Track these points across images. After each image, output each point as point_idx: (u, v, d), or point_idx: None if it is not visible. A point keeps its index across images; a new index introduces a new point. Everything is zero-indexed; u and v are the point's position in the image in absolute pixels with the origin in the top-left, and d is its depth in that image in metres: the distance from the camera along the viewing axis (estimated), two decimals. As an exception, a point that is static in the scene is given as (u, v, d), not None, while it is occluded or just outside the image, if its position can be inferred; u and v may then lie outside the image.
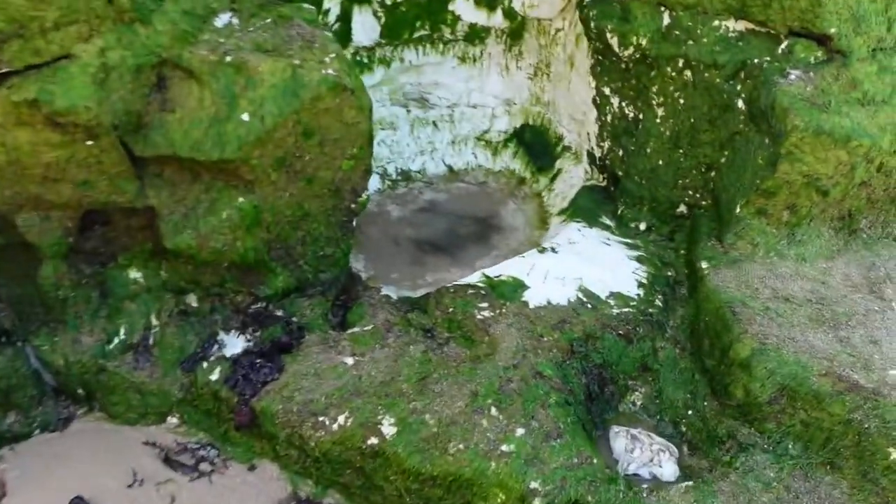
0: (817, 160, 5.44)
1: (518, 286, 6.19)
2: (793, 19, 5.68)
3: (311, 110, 5.56)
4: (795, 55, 5.72)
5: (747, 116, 5.96)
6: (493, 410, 5.12)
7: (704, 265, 5.88)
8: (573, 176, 7.92)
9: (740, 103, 5.98)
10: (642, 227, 6.86)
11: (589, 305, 6.02)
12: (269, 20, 5.97)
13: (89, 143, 5.21)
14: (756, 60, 5.86)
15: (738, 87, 5.98)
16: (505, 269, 6.38)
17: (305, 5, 6.33)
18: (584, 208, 7.25)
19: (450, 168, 8.51)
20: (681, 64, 6.18)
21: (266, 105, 5.43)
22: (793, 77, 5.62)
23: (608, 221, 7.07)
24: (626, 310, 6.00)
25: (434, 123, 8.54)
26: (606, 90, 6.91)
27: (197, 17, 5.80)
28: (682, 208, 6.67)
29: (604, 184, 7.49)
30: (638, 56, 6.40)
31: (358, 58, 7.82)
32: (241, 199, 5.68)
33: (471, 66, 8.37)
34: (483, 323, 5.89)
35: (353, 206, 6.34)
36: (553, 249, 6.61)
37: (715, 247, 6.01)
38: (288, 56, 5.58)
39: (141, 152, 5.48)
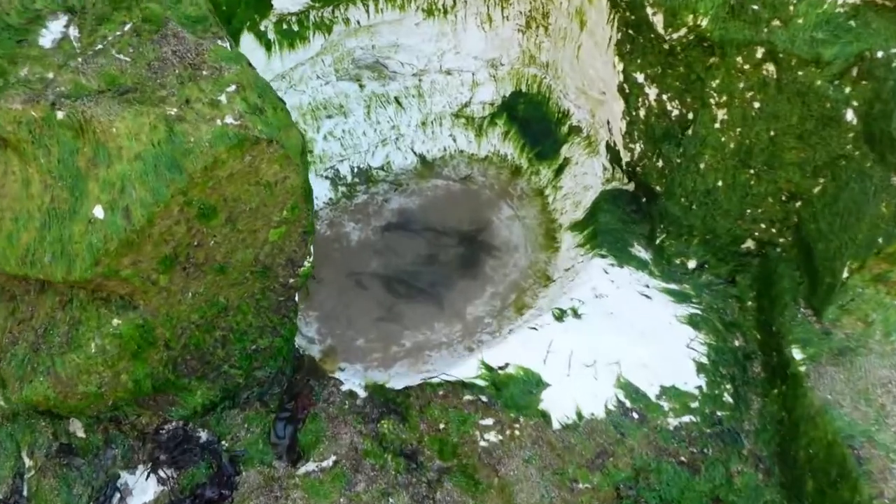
0: (981, 219, 3.59)
1: (532, 384, 4.44)
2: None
3: (205, 184, 3.55)
4: (946, 46, 3.72)
5: (861, 136, 4.03)
6: None
7: (798, 354, 4.15)
8: (587, 172, 5.97)
9: (850, 115, 4.04)
10: (691, 264, 5.05)
11: (635, 415, 4.31)
12: (127, 27, 3.79)
13: None
14: (881, 54, 3.87)
15: (849, 92, 4.01)
16: (512, 355, 4.59)
17: (190, -13, 4.09)
18: (609, 231, 5.37)
19: (422, 159, 6.50)
20: (760, 54, 4.15)
21: (130, 190, 3.40)
22: (944, 84, 3.65)
23: (643, 253, 5.23)
24: (685, 419, 4.30)
25: (397, 100, 6.42)
26: (639, 76, 4.87)
27: (9, 31, 3.63)
28: (750, 244, 4.83)
29: (631, 188, 5.58)
30: (692, 39, 4.34)
31: (284, 27, 5.61)
32: (116, 322, 3.74)
33: (441, 19, 6.17)
34: (489, 455, 4.18)
35: (291, 281, 4.43)
36: (575, 312, 4.80)
37: (809, 321, 4.26)
38: (159, 100, 3.48)
39: (-54, 268, 3.47)
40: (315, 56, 5.98)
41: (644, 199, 5.42)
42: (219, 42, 3.84)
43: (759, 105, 4.34)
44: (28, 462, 4.39)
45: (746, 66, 4.26)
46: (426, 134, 6.51)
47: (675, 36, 4.36)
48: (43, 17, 3.79)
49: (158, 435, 4.49)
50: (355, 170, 6.31)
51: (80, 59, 3.63)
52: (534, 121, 6.43)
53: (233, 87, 3.65)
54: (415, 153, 6.48)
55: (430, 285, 5.71)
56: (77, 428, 4.44)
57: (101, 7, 3.87)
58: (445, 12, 6.13)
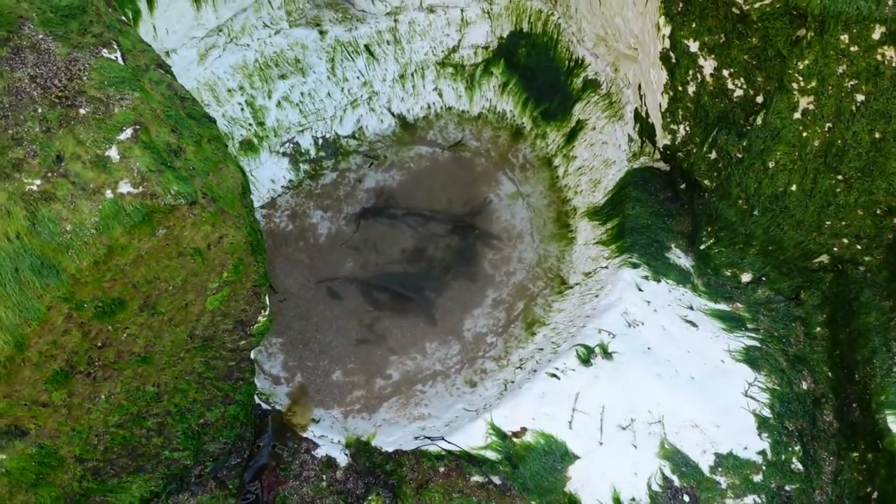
0: None
1: (557, 456, 3.56)
2: None
3: (100, 279, 2.44)
4: None
5: None
6: None
7: (894, 422, 3.26)
8: (607, 141, 4.83)
9: None
10: (746, 277, 4.06)
11: (686, 497, 3.45)
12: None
13: None
14: None
15: None
16: (530, 413, 3.66)
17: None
18: (640, 227, 4.33)
19: (402, 120, 5.29)
20: (877, 35, 2.98)
21: (-11, 306, 2.28)
22: None
23: (684, 260, 4.22)
24: (748, 501, 3.45)
25: (368, 49, 5.12)
26: (692, 44, 3.67)
27: None
28: (824, 258, 3.83)
29: (665, 168, 4.49)
30: (778, 6, 3.13)
31: (216, -33, 4.23)
32: (18, 446, 2.72)
33: (420, -60, 4.77)
34: (506, 563, 3.32)
35: (242, 343, 3.39)
36: (604, 350, 3.83)
37: (910, 378, 3.33)
38: (13, 167, 2.30)
39: None
40: (260, -1, 4.63)
41: (683, 186, 4.34)
42: (104, 52, 2.58)
43: (864, 98, 3.20)
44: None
45: (854, 48, 3.09)
46: (405, 90, 5.26)
47: (756, 5, 3.13)
48: None
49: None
50: (320, 141, 5.09)
51: None
52: (539, 70, 5.20)
53: (129, 132, 2.45)
54: (392, 114, 5.26)
55: (417, 291, 4.68)
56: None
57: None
58: (426, -67, 4.74)
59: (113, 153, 2.40)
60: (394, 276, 4.74)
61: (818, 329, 3.94)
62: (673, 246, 4.30)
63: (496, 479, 3.52)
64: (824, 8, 3.05)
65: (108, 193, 2.35)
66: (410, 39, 5.17)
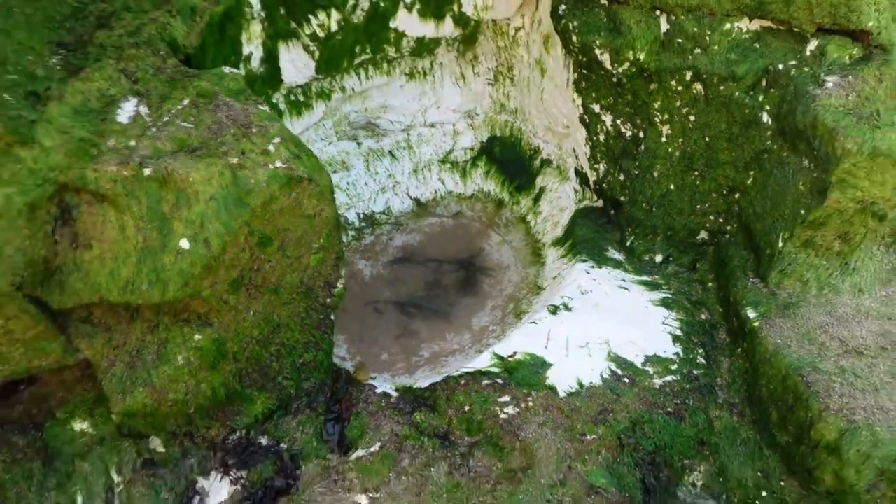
0: (874, 184, 4.61)
1: (538, 365, 5.29)
2: (822, 15, 4.74)
3: (263, 217, 4.43)
4: (828, 57, 4.81)
5: (776, 132, 5.06)
6: (553, 553, 4.27)
7: (752, 314, 5.07)
8: (561, 196, 6.96)
9: (766, 117, 5.08)
10: (658, 258, 5.99)
11: (626, 380, 5.17)
12: (185, 102, 4.73)
13: (-13, 316, 4.02)
14: (781, 66, 4.94)
15: (762, 99, 5.06)
16: (518, 345, 5.44)
17: (226, 69, 5.08)
18: (586, 240, 6.32)
19: (417, 201, 7.45)
20: (688, 77, 5.21)
21: (208, 224, 4.27)
22: (830, 85, 4.72)
23: (617, 255, 6.17)
24: (668, 378, 5.17)
25: (390, 153, 7.41)
26: (595, 107, 5.91)
27: (93, 113, 4.54)
28: (703, 234, 5.80)
29: (600, 204, 6.56)
30: (634, 71, 5.39)
31: (292, 98, 6.59)
32: (197, 337, 4.55)
33: (421, 80, 7.22)
34: (509, 424, 4.98)
35: (328, 300, 5.27)
36: (566, 306, 5.69)
37: (757, 287, 5.19)
38: (222, 154, 4.40)
39: (59, 305, 4.30)
40: (318, 121, 6.97)
41: (612, 211, 6.40)
42: (260, 107, 4.80)
43: (694, 118, 5.38)
44: (117, 478, 5.08)
45: (679, 88, 5.32)
46: (418, 180, 7.48)
47: (620, 70, 5.42)
48: (116, 100, 4.71)
49: (226, 444, 5.23)
50: (361, 215, 7.23)
51: (153, 129, 4.55)
52: (509, 159, 7.45)
53: (277, 140, 4.59)
54: (410, 197, 7.44)
55: (437, 305, 6.57)
56: (157, 444, 5.15)
57: (162, 89, 4.82)
58: (425, 74, 7.20)
59: (271, 148, 4.51)
60: (419, 297, 6.66)
61: (710, 284, 5.82)
62: (609, 248, 6.28)
63: (499, 381, 5.25)
64: (657, 66, 5.32)
65: (270, 166, 4.43)
66: (419, 146, 7.48)
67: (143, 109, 4.69)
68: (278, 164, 4.46)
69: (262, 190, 4.38)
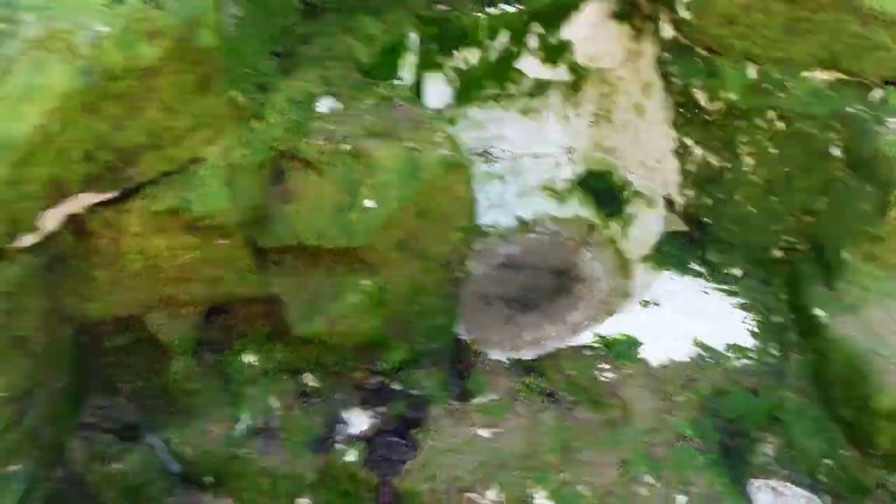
0: (928, 204, 5.59)
1: (633, 344, 6.26)
2: (887, 69, 5.85)
3: (427, 192, 5.60)
4: (890, 103, 5.89)
5: (845, 163, 6.10)
6: (648, 478, 5.15)
7: (820, 313, 5.98)
8: (649, 222, 8.02)
9: (836, 151, 6.13)
10: (737, 272, 6.96)
11: (711, 360, 6.10)
12: (370, 102, 6.01)
13: (222, 242, 5.22)
14: (849, 109, 6.02)
15: (833, 136, 6.12)
16: (615, 328, 6.43)
17: (398, 82, 6.38)
18: (671, 255, 7.34)
19: (521, 220, 8.58)
20: (771, 115, 6.32)
21: (388, 191, 5.45)
22: (892, 125, 5.78)
23: (699, 268, 7.17)
24: (746, 362, 6.08)
25: (501, 177, 8.60)
26: (688, 141, 7.03)
27: (301, 104, 5.82)
28: (777, 252, 6.78)
29: (685, 229, 7.59)
30: (726, 109, 6.53)
31: (429, 121, 7.86)
32: (365, 282, 5.68)
33: (532, 117, 8.46)
34: (610, 385, 5.93)
35: (459, 275, 6.37)
36: (655, 303, 6.69)
37: (826, 293, 6.12)
38: (401, 139, 5.62)
39: (264, 244, 5.49)
40: (444, 144, 8.22)
41: (697, 233, 7.44)
42: (426, 110, 6.06)
43: (776, 150, 6.46)
44: (276, 404, 6.14)
45: (764, 125, 6.43)
46: (523, 202, 8.64)
47: (713, 108, 6.57)
48: (318, 96, 6.00)
49: (366, 385, 6.28)
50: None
51: (346, 119, 5.82)
52: (602, 189, 8.58)
53: (441, 134, 5.81)
54: (514, 216, 8.59)
55: (537, 303, 7.61)
56: (310, 380, 6.23)
57: (350, 91, 6.12)
58: (536, 112, 8.45)
59: (437, 139, 5.72)
60: (521, 296, 7.71)
61: (783, 295, 6.75)
62: (692, 262, 7.29)
63: (601, 353, 6.23)
64: (748, 105, 6.45)
65: (438, 152, 5.61)
66: (525, 173, 8.67)
67: (338, 105, 5.98)
68: (443, 151, 5.65)
69: (431, 169, 5.56)
